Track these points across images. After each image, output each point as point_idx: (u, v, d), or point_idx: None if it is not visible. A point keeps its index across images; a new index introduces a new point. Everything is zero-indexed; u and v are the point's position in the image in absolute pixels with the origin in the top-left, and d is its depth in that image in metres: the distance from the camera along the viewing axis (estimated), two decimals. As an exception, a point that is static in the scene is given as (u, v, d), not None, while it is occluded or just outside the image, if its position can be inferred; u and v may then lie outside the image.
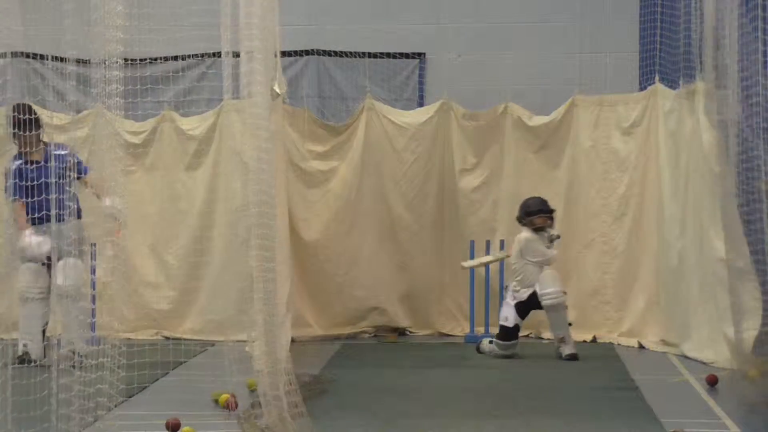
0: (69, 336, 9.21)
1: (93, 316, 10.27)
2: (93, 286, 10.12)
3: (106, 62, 7.17)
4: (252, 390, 8.20)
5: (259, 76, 7.63)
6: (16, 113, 8.65)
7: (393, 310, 12.74)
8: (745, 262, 9.57)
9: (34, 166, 9.57)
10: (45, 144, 9.91)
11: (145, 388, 8.68)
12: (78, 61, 6.93)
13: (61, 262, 8.81)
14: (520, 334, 11.38)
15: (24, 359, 9.55)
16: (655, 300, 11.86)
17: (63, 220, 7.25)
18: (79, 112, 11.18)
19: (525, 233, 11.31)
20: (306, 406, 7.74)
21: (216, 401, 8.30)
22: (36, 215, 9.23)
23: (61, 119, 10.58)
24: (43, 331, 9.99)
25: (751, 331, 9.42)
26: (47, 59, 12.35)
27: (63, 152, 9.00)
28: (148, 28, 7.19)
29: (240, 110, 8.97)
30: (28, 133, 9.29)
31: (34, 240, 9.84)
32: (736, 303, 9.51)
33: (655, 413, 8.32)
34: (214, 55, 11.42)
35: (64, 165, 8.12)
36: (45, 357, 9.61)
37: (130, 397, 7.12)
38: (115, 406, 7.27)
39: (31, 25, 7.26)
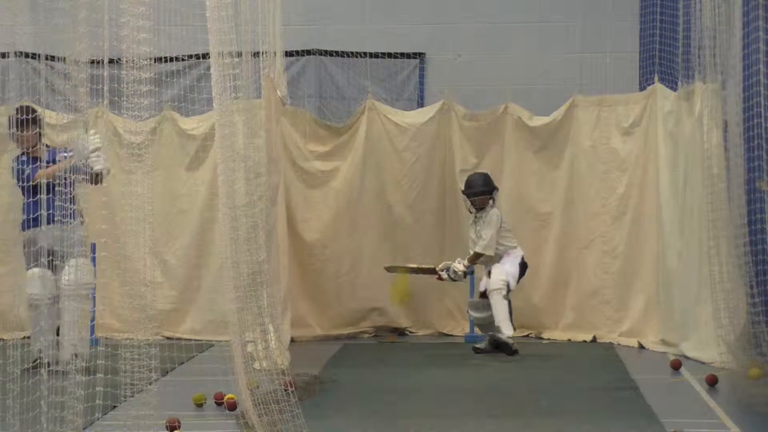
0: (71, 338, 9.23)
1: (93, 318, 10.31)
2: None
3: (108, 62, 7.17)
4: (251, 389, 8.19)
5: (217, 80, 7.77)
6: (16, 114, 8.70)
7: (393, 310, 12.75)
8: (738, 262, 9.57)
9: (37, 164, 9.61)
10: (47, 146, 9.92)
11: (145, 388, 8.67)
12: (63, 60, 6.93)
13: (72, 261, 8.72)
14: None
15: (38, 364, 9.42)
16: (655, 300, 11.86)
17: (55, 222, 7.32)
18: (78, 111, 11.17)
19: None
20: (306, 406, 7.74)
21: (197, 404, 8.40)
22: (32, 215, 9.22)
23: (61, 119, 10.57)
24: (57, 332, 9.91)
25: (736, 332, 9.44)
26: (51, 59, 12.35)
27: (68, 155, 9.09)
28: (149, 27, 7.18)
29: (240, 110, 8.98)
30: (25, 132, 9.32)
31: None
32: (728, 303, 9.53)
33: (655, 413, 8.32)
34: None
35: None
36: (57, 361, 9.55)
37: (129, 397, 7.11)
38: (115, 406, 7.27)
39: (30, 24, 7.25)
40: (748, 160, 9.66)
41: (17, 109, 8.63)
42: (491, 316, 11.26)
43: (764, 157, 9.50)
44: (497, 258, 11.37)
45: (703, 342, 10.54)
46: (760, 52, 9.39)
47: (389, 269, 11.89)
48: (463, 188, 11.61)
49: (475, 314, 11.56)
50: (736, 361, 9.40)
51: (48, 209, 7.36)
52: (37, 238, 9.07)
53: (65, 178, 7.21)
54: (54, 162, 9.54)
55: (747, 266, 9.58)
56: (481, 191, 11.42)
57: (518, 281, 11.37)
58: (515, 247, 11.40)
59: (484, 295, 11.45)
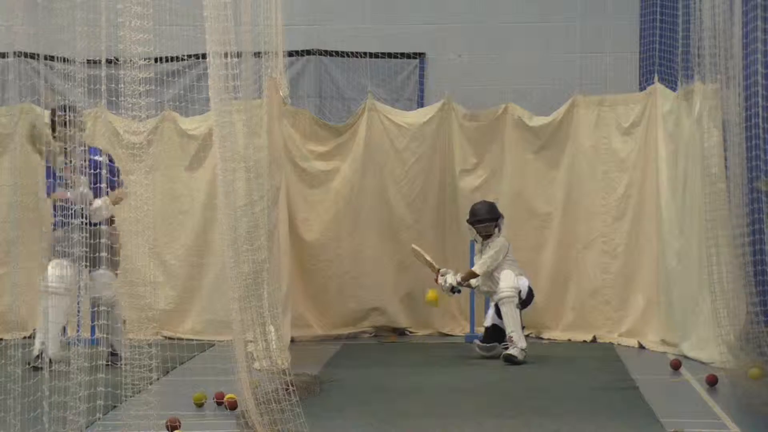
0: (112, 339, 9.28)
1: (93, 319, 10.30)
2: None
3: (105, 62, 7.18)
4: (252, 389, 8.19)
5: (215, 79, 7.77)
6: (53, 115, 8.76)
7: (393, 310, 12.76)
8: (738, 262, 9.57)
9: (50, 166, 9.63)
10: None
11: (144, 388, 8.67)
12: (67, 60, 6.94)
13: (98, 272, 8.70)
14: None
15: (40, 358, 9.36)
16: (655, 300, 11.86)
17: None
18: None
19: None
20: (306, 406, 7.74)
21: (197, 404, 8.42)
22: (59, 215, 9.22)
23: (62, 119, 10.56)
24: (63, 330, 9.86)
25: (736, 332, 9.44)
26: (50, 59, 12.36)
27: (98, 158, 9.10)
28: (149, 27, 7.18)
29: (240, 111, 8.98)
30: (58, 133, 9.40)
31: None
32: (728, 303, 9.53)
33: (655, 413, 8.32)
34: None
35: (97, 171, 8.18)
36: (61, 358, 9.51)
37: (130, 397, 7.12)
38: (116, 406, 7.27)
39: (29, 24, 7.26)
40: (748, 160, 9.66)
41: (53, 110, 8.69)
42: (494, 347, 11.16)
43: (763, 157, 9.50)
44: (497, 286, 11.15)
45: (703, 342, 10.54)
46: (758, 52, 9.39)
47: (414, 251, 11.70)
48: (468, 217, 11.46)
49: (484, 353, 11.35)
50: (736, 361, 9.39)
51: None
52: (64, 238, 9.09)
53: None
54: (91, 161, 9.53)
55: (747, 266, 9.58)
56: (485, 219, 11.23)
57: (526, 305, 11.20)
58: (521, 275, 11.22)
59: (488, 332, 11.31)
